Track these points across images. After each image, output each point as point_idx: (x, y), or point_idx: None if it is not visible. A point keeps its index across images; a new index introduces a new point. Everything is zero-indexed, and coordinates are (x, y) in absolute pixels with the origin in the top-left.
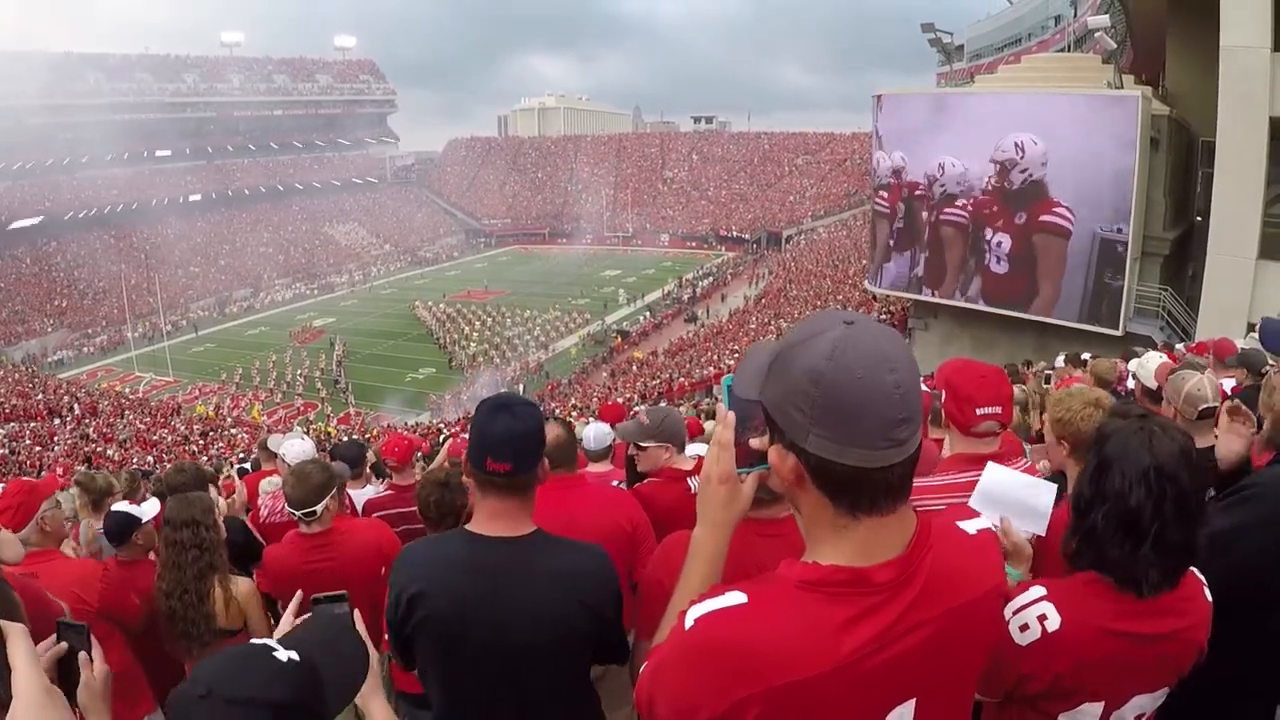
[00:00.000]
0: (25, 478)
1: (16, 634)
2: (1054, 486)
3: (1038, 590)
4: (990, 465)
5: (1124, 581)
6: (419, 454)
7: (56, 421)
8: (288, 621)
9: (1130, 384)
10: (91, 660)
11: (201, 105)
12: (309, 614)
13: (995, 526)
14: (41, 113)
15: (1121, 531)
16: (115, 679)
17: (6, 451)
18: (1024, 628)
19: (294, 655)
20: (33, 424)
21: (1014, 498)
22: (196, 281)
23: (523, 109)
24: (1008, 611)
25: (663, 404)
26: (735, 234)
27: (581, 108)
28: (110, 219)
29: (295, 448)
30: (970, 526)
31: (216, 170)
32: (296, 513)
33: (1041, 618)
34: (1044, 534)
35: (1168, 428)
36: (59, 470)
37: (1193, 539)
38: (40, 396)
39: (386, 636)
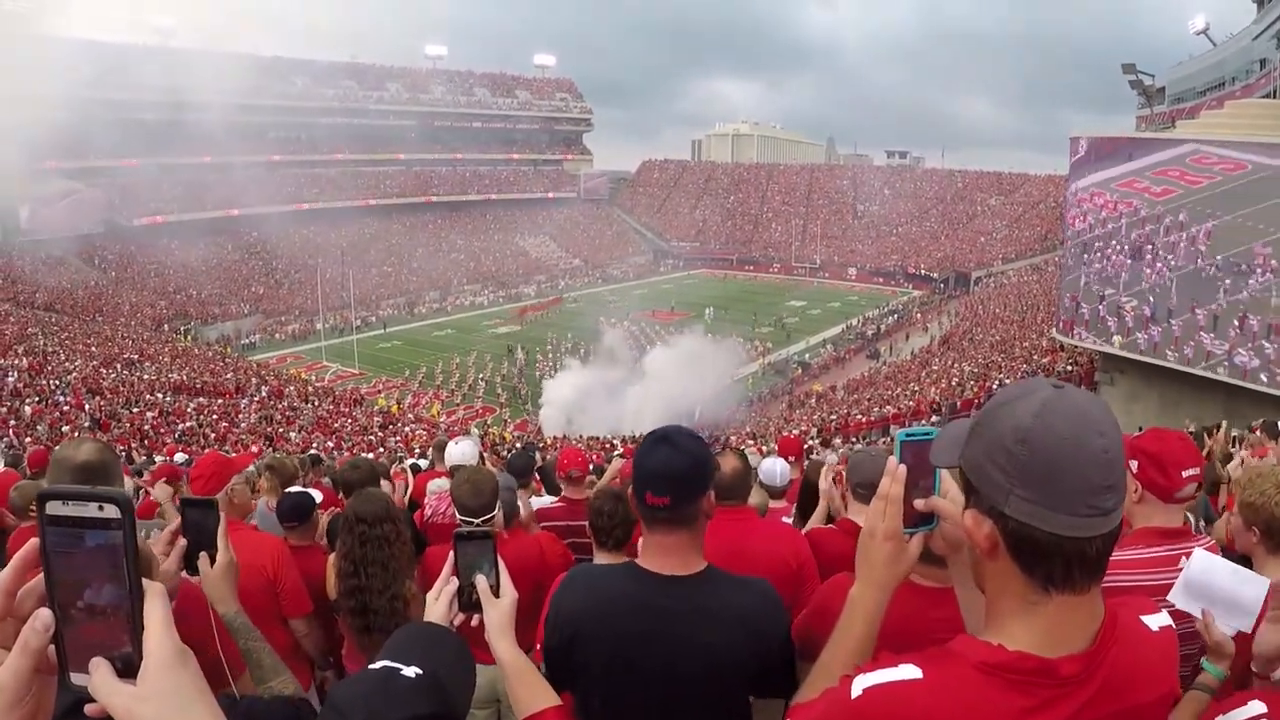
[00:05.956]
0: (220, 452)
1: (154, 593)
2: (1265, 581)
3: (1257, 707)
4: (1199, 552)
5: None
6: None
7: (244, 401)
8: (443, 598)
9: None
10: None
11: (403, 113)
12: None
13: (1197, 620)
14: (249, 111)
15: None
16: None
17: (194, 424)
18: None
19: (418, 670)
20: (220, 400)
21: (1220, 589)
22: (389, 280)
23: (717, 134)
24: None
25: (848, 445)
26: (924, 272)
27: (775, 136)
28: (310, 215)
29: (460, 450)
30: (1153, 622)
31: (415, 176)
32: (474, 520)
33: None
34: (1249, 630)
35: None
36: (254, 449)
37: None
38: (230, 376)
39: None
